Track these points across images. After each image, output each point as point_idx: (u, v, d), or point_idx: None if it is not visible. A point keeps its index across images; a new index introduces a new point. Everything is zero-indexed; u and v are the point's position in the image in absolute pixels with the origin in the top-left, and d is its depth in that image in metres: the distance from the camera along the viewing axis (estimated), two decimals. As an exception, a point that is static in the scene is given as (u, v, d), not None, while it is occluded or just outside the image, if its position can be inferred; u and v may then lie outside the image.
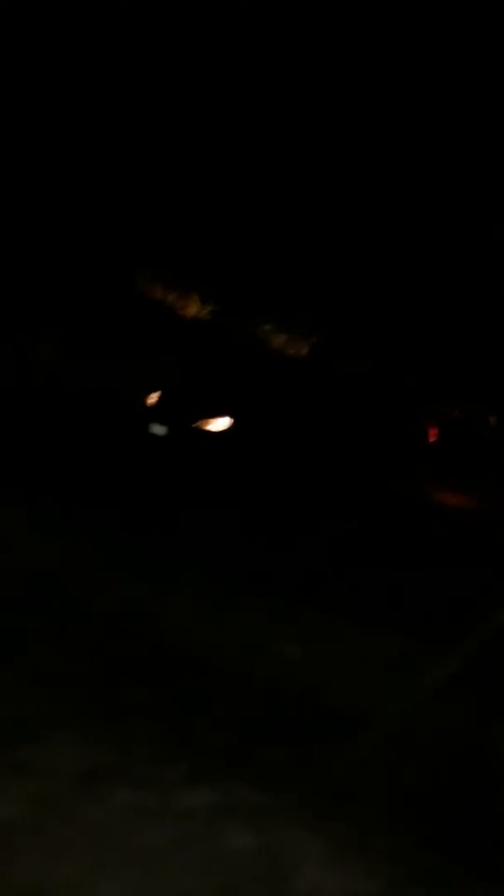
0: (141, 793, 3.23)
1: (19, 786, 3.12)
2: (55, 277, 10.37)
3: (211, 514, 7.29)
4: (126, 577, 5.52)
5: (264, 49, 9.79)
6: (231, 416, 8.94)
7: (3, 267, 9.71)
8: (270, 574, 6.09)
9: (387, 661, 4.98)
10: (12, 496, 6.51)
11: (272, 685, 4.41)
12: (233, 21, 9.44)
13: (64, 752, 3.39)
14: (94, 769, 3.32)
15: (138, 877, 2.77)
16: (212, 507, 7.58)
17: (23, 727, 3.51)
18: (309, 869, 2.97)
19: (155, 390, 9.36)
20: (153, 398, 9.29)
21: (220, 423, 8.93)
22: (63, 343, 10.16)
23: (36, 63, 9.13)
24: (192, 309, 11.74)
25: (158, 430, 8.80)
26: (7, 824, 2.91)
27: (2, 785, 3.11)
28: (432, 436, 12.16)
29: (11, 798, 3.05)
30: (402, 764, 3.87)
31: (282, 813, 3.29)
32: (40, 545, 5.71)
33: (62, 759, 3.34)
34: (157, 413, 9.06)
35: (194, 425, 8.86)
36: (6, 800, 3.04)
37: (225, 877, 2.85)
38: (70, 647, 4.34)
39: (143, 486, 7.72)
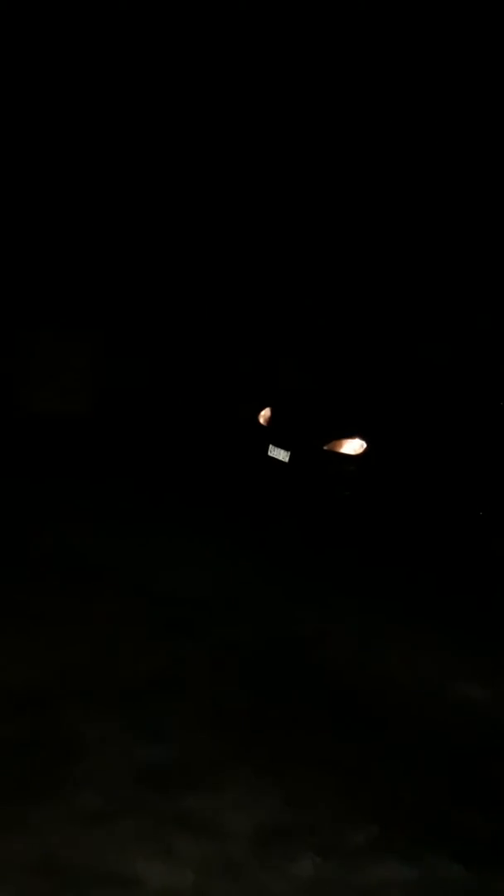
0: (326, 862, 2.78)
1: (189, 845, 2.76)
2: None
3: (367, 552, 6.65)
4: (290, 605, 5.13)
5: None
6: (364, 437, 7.17)
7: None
8: (440, 608, 5.51)
9: None
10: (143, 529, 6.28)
11: (462, 734, 3.87)
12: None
13: (235, 806, 3.01)
14: (270, 829, 2.91)
15: None
16: (365, 544, 6.78)
17: (189, 773, 3.17)
18: None
19: (263, 403, 7.98)
20: (265, 414, 7.83)
21: (352, 446, 7.17)
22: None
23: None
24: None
25: (279, 454, 7.29)
26: (174, 892, 2.55)
27: (169, 843, 2.76)
28: None
29: (181, 860, 2.69)
30: None
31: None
32: (197, 574, 5.42)
33: (234, 815, 2.96)
34: (273, 433, 7.54)
35: (325, 448, 7.15)
36: (175, 862, 2.68)
37: None
38: (234, 681, 3.99)
39: (282, 521, 7.08)
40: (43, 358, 8.90)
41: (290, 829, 2.94)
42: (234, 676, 4.03)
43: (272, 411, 7.78)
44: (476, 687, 4.36)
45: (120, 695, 3.67)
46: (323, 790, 3.19)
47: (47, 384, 8.84)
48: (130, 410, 8.99)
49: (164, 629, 4.43)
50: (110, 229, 9.68)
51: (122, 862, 2.65)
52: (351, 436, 7.12)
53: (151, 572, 5.23)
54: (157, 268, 9.93)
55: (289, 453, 7.21)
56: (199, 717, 3.58)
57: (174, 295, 9.95)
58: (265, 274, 10.26)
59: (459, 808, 3.23)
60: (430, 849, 2.94)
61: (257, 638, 4.53)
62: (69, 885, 2.51)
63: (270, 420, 7.72)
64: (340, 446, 7.12)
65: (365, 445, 7.09)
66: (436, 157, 9.92)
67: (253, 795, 3.09)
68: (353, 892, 2.68)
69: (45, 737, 3.27)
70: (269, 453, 7.35)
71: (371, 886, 2.72)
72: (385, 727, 3.81)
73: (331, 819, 3.02)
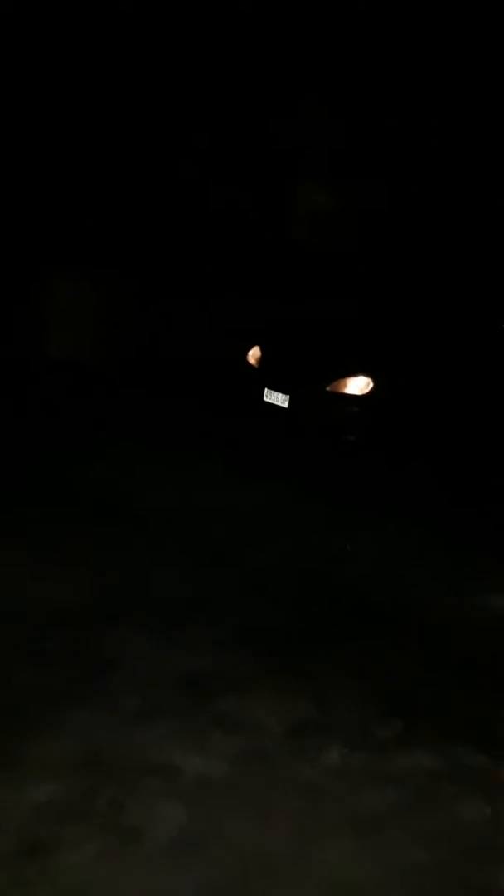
0: (353, 753, 2.95)
1: (223, 740, 2.95)
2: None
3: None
4: (318, 529, 5.26)
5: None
6: (368, 374, 6.52)
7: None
8: (463, 531, 5.56)
9: None
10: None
11: (487, 639, 4.00)
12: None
13: (266, 706, 3.18)
14: (301, 725, 3.09)
15: (356, 846, 2.50)
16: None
17: (221, 679, 3.35)
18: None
19: (249, 342, 7.29)
20: (255, 354, 7.12)
21: (356, 385, 6.53)
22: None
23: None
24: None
25: (277, 398, 6.67)
26: (213, 782, 2.73)
27: (205, 738, 2.95)
28: None
29: (216, 753, 2.88)
30: None
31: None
32: (232, 493, 5.58)
33: (265, 714, 3.14)
34: (267, 375, 6.87)
35: (328, 389, 6.51)
36: (211, 754, 2.86)
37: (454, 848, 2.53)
38: (265, 600, 4.15)
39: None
40: (57, 305, 8.98)
41: (319, 726, 3.11)
42: (264, 596, 4.18)
43: (262, 350, 7.12)
44: (500, 598, 4.47)
45: (156, 615, 3.85)
46: (351, 693, 3.35)
47: (62, 331, 8.92)
48: (142, 357, 8.89)
49: (196, 556, 4.59)
50: (117, 182, 9.63)
51: (161, 756, 2.84)
52: (354, 373, 6.53)
53: (177, 507, 5.37)
54: (154, 208, 9.80)
55: (287, 397, 6.61)
56: (231, 632, 3.75)
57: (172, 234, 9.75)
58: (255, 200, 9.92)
59: (483, 705, 3.37)
60: (454, 741, 3.09)
61: (286, 562, 4.68)
62: (112, 776, 2.71)
63: (261, 360, 7.06)
64: (344, 386, 6.52)
65: (371, 384, 6.50)
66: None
67: (284, 699, 3.25)
68: (381, 778, 2.84)
69: (86, 651, 3.47)
70: (265, 398, 6.75)
71: (398, 773, 2.88)
72: (410, 635, 3.95)
73: (358, 717, 3.18)
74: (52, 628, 3.61)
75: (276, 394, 6.69)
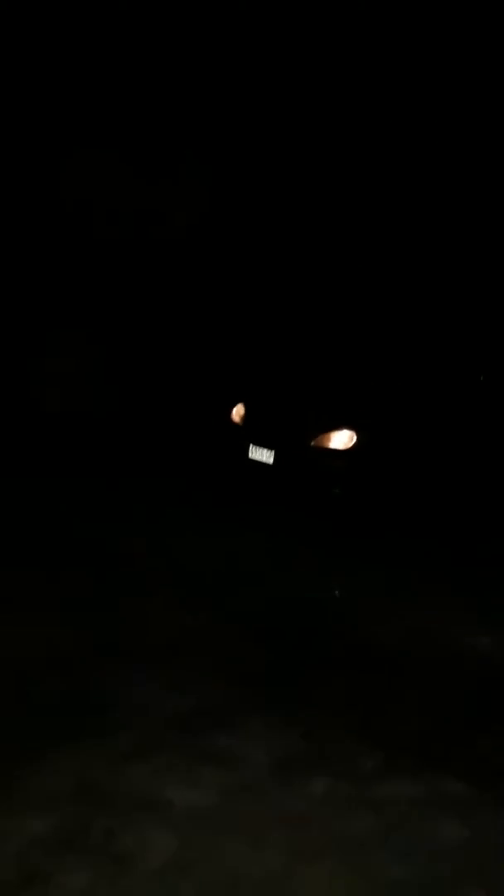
0: (338, 783, 3.08)
1: (214, 773, 3.07)
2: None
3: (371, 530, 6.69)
4: (308, 575, 5.42)
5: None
6: (352, 428, 6.63)
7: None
8: (451, 576, 5.73)
9: None
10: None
11: (468, 674, 4.14)
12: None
13: (256, 741, 3.31)
14: (288, 758, 3.21)
15: (342, 867, 2.62)
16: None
17: (212, 716, 3.48)
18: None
19: (232, 399, 7.33)
20: (239, 412, 7.20)
21: (340, 439, 6.62)
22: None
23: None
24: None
25: (262, 454, 6.72)
26: (203, 812, 2.86)
27: (196, 772, 3.07)
28: None
29: (207, 785, 3.00)
30: None
31: (490, 804, 3.04)
32: (222, 541, 5.74)
33: (255, 748, 3.27)
34: (251, 431, 6.94)
35: (312, 444, 6.60)
36: (201, 787, 2.99)
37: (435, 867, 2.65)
38: (252, 640, 4.30)
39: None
40: (55, 358, 9.15)
41: (304, 758, 3.24)
42: (251, 636, 4.33)
43: (246, 407, 7.22)
44: (484, 638, 4.62)
45: (146, 656, 3.99)
46: (336, 726, 3.48)
47: (58, 384, 9.06)
48: (133, 410, 9.02)
49: (184, 600, 4.74)
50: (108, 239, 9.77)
51: (153, 789, 2.96)
52: (338, 427, 6.64)
53: (167, 554, 5.52)
54: (149, 275, 9.97)
55: (272, 453, 6.69)
56: (220, 670, 3.89)
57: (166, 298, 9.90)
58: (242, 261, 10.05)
59: (463, 738, 3.51)
60: (434, 771, 3.22)
61: (276, 605, 4.83)
62: (106, 809, 2.83)
63: (245, 417, 7.15)
64: (328, 441, 6.63)
65: (355, 437, 6.61)
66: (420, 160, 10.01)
67: (271, 733, 3.39)
68: (364, 806, 2.96)
69: (81, 692, 3.60)
70: (250, 455, 6.84)
71: (380, 801, 3.00)
72: (395, 672, 4.10)
73: (342, 749, 3.32)
74: (50, 669, 3.75)
75: (261, 450, 6.80)
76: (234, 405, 7.35)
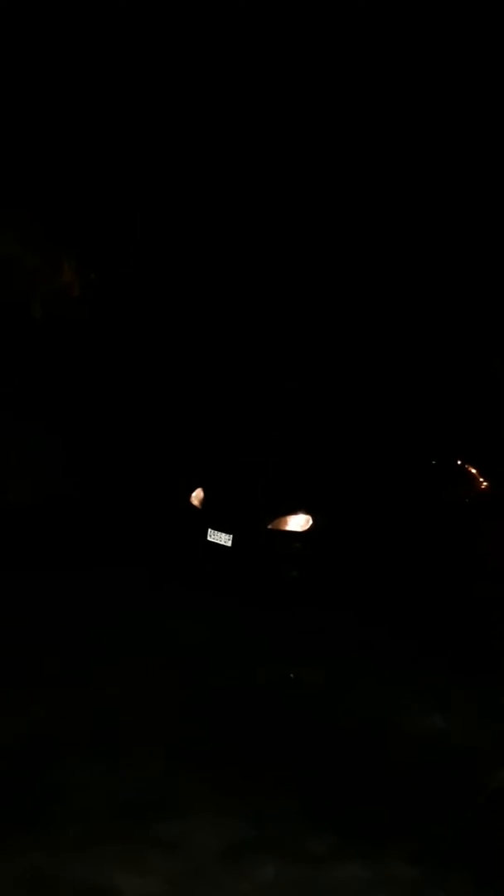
0: (288, 867, 3.07)
1: (163, 860, 3.05)
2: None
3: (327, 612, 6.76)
4: (263, 657, 5.44)
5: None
6: (308, 511, 6.84)
7: None
8: (406, 657, 5.78)
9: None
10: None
11: (420, 757, 4.17)
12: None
13: (205, 828, 3.30)
14: (238, 843, 3.20)
15: None
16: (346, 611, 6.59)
17: (162, 804, 3.45)
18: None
19: (191, 483, 7.54)
20: (198, 496, 7.40)
21: (297, 522, 6.85)
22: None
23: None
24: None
25: (220, 538, 6.89)
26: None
27: (144, 859, 3.05)
28: None
29: (155, 872, 2.97)
30: None
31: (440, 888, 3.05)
32: (178, 623, 5.74)
33: (204, 835, 3.25)
34: (210, 515, 7.11)
35: (269, 527, 6.80)
36: (150, 874, 2.96)
37: None
38: (205, 724, 4.29)
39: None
40: (14, 450, 9.07)
41: (255, 842, 3.23)
42: (209, 721, 4.32)
43: (205, 492, 7.42)
44: (439, 719, 4.66)
45: (99, 743, 3.96)
46: (289, 810, 3.48)
47: (18, 475, 8.95)
48: (93, 497, 8.99)
49: (132, 687, 4.70)
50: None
51: (102, 877, 2.93)
52: (294, 511, 6.86)
53: (125, 639, 5.50)
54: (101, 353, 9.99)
55: (231, 536, 6.88)
56: (172, 756, 3.86)
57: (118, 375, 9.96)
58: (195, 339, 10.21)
59: (415, 821, 3.52)
60: (385, 853, 3.23)
61: (230, 688, 4.83)
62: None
63: (204, 501, 7.35)
64: (285, 524, 6.84)
65: (310, 520, 6.82)
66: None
67: (221, 818, 3.37)
68: (314, 891, 2.96)
69: (27, 780, 3.56)
70: (209, 538, 6.99)
71: (329, 886, 3.00)
72: (347, 755, 4.10)
73: (293, 833, 3.31)
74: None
75: (219, 534, 6.92)
76: (192, 489, 7.47)
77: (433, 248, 10.46)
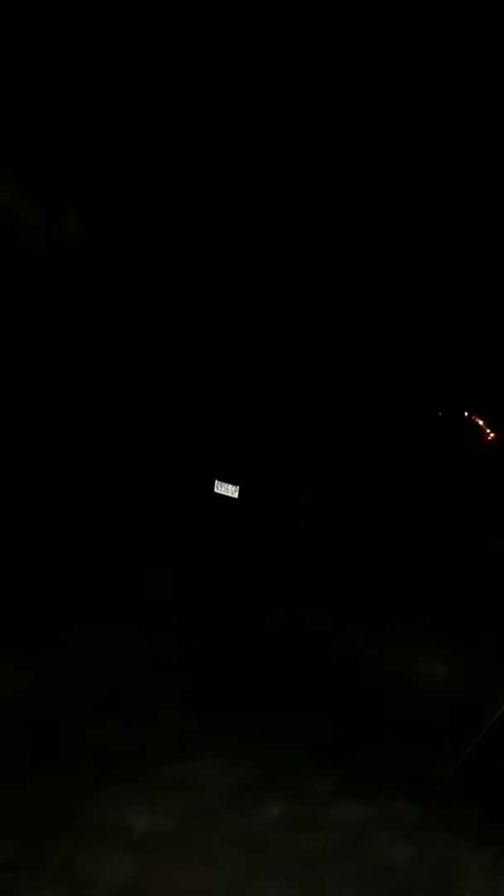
0: (292, 806, 3.18)
1: (171, 800, 3.15)
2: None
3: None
4: (272, 605, 5.53)
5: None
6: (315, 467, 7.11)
7: None
8: (411, 606, 5.88)
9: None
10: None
11: (423, 702, 4.27)
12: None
13: (213, 770, 3.40)
14: (245, 784, 3.31)
15: (293, 887, 2.72)
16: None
17: (171, 747, 3.56)
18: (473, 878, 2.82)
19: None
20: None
21: (301, 476, 7.13)
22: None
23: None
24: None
25: (227, 489, 7.12)
26: (162, 837, 2.94)
27: (154, 799, 3.15)
28: None
29: (164, 811, 3.08)
30: None
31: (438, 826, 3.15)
32: (186, 570, 5.83)
33: (212, 776, 3.35)
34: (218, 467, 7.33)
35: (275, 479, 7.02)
36: (159, 813, 3.07)
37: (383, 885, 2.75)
38: (214, 671, 4.39)
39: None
40: (13, 407, 9.10)
41: (262, 783, 3.33)
42: (214, 667, 4.42)
43: (213, 445, 7.64)
44: (440, 664, 4.75)
45: (110, 687, 4.07)
46: (292, 753, 3.58)
47: (17, 433, 9.00)
48: (96, 458, 9.04)
49: (154, 633, 4.83)
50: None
51: (112, 817, 3.04)
52: (301, 464, 7.01)
53: (136, 591, 5.61)
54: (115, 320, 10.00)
55: (237, 488, 7.04)
56: (181, 703, 3.97)
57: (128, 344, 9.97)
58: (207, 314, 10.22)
59: (415, 762, 3.62)
60: (387, 793, 3.33)
61: (231, 637, 4.93)
62: (65, 837, 2.90)
63: (211, 454, 7.53)
64: (291, 476, 6.97)
65: (316, 474, 6.99)
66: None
67: (229, 761, 3.47)
68: (317, 827, 3.06)
69: (43, 726, 3.66)
70: (215, 489, 7.18)
71: (333, 822, 3.11)
72: (352, 700, 4.21)
73: (298, 774, 3.42)
74: (14, 702, 3.81)
75: (225, 485, 7.06)
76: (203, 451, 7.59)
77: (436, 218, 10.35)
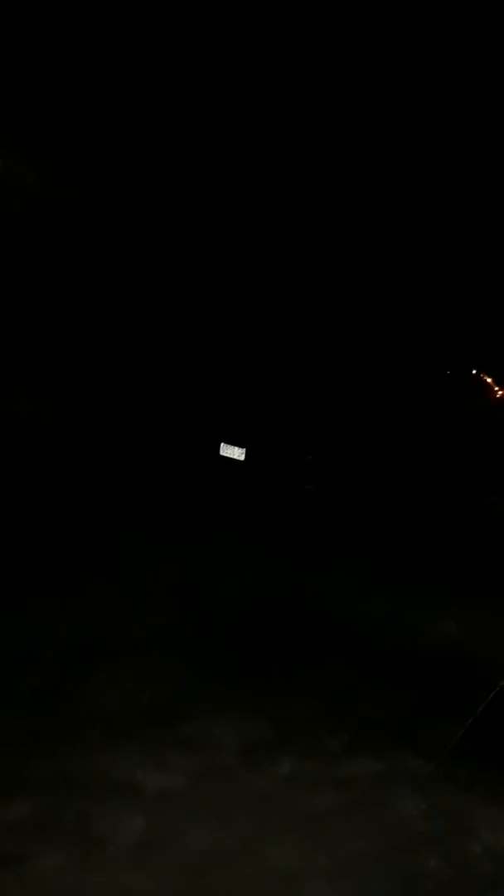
0: (303, 763, 3.20)
1: (183, 758, 3.18)
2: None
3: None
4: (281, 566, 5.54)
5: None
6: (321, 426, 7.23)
7: None
8: (420, 566, 5.88)
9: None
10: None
11: (434, 660, 4.28)
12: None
13: (224, 729, 3.42)
14: (255, 742, 3.32)
15: (305, 842, 2.74)
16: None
17: (183, 707, 3.58)
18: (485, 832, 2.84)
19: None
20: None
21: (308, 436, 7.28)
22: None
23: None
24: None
25: (233, 452, 7.16)
26: (172, 794, 2.96)
27: (165, 758, 3.17)
28: None
29: (176, 769, 3.10)
30: None
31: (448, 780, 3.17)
32: (182, 542, 5.84)
33: (223, 735, 3.37)
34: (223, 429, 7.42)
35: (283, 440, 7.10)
36: (171, 771, 3.09)
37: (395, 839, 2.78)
38: (224, 632, 4.40)
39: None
40: (25, 371, 9.23)
41: (272, 741, 3.35)
42: (224, 629, 4.44)
43: (218, 408, 7.71)
44: (450, 623, 4.76)
45: (122, 648, 4.09)
46: (304, 711, 3.60)
47: (29, 395, 9.12)
48: (103, 418, 9.12)
49: (163, 596, 4.84)
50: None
51: (125, 775, 3.06)
52: (307, 426, 7.01)
53: (144, 554, 5.63)
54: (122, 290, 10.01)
55: (244, 451, 7.06)
56: (195, 662, 3.99)
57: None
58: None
59: (424, 718, 3.64)
60: (397, 749, 3.35)
61: (240, 599, 4.94)
62: (78, 795, 2.92)
63: (217, 416, 7.60)
64: (298, 437, 6.98)
65: (322, 434, 7.00)
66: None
67: (241, 720, 3.50)
68: (327, 784, 3.08)
69: (58, 686, 3.69)
70: (221, 452, 7.23)
71: (343, 778, 3.13)
72: (363, 658, 4.23)
73: (309, 732, 3.44)
74: (26, 665, 3.83)
75: (232, 448, 7.04)
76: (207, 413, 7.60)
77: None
